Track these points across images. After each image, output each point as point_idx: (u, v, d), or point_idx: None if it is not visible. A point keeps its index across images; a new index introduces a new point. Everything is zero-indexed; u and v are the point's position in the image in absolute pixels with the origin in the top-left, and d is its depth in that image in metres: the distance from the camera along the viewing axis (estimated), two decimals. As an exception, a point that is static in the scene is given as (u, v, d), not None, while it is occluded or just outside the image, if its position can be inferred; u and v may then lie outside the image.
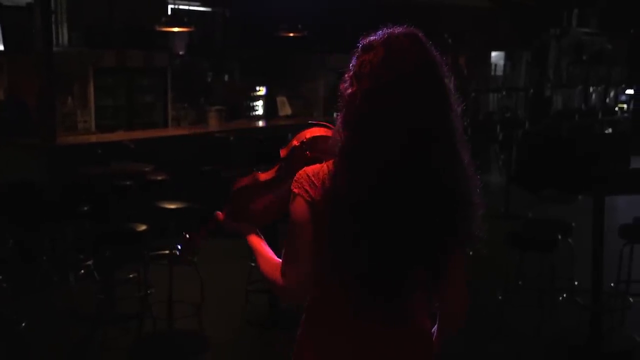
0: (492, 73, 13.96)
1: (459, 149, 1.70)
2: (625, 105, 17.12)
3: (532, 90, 14.52)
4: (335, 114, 1.76)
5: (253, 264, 5.11)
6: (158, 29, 8.13)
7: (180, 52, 9.41)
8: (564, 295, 5.41)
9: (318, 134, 1.89)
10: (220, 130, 8.80)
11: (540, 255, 5.03)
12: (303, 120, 2.04)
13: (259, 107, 10.57)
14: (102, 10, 8.35)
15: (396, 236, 1.66)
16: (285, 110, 10.54)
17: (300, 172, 1.76)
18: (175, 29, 8.39)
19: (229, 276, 5.90)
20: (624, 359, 4.79)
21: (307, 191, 1.72)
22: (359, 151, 1.65)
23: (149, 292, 5.11)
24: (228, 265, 6.00)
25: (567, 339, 4.90)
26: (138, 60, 8.78)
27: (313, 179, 1.73)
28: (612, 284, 5.31)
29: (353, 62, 1.72)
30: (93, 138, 7.73)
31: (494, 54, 14.10)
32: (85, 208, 5.69)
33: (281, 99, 10.55)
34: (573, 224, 5.21)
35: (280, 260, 1.82)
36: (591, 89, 16.40)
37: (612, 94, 17.08)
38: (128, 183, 6.39)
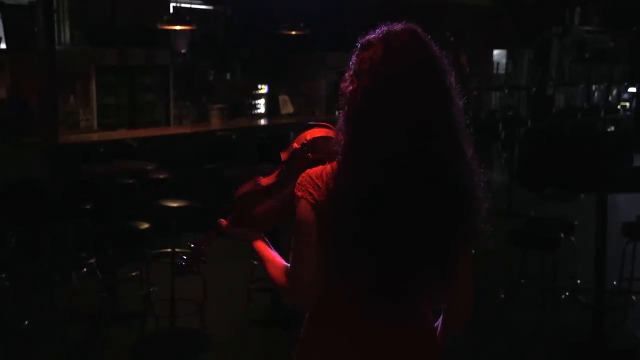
0: (494, 71, 13.94)
1: (462, 143, 1.69)
2: (627, 104, 17.10)
3: (534, 89, 14.51)
4: (337, 113, 1.75)
5: (255, 262, 5.11)
6: (160, 27, 8.13)
7: (182, 51, 9.42)
8: (567, 293, 5.40)
9: (318, 135, 1.88)
10: (222, 129, 8.79)
11: (542, 254, 5.02)
12: (305, 119, 2.02)
13: (261, 106, 10.57)
14: (104, 8, 8.36)
15: (402, 234, 1.65)
16: (287, 108, 10.53)
17: (303, 174, 1.75)
18: (177, 28, 8.39)
19: (232, 275, 5.90)
20: (627, 357, 4.79)
21: (310, 194, 1.71)
22: (362, 149, 1.65)
23: (151, 290, 5.11)
24: (230, 263, 6.00)
25: (569, 337, 4.89)
26: (140, 59, 8.78)
27: (316, 180, 1.72)
28: (614, 282, 5.31)
29: (353, 60, 1.72)
30: (95, 136, 7.73)
31: (496, 52, 14.09)
32: (88, 206, 5.69)
33: (283, 98, 10.55)
34: (575, 222, 5.20)
35: (287, 264, 1.82)
36: (593, 87, 16.37)
37: (614, 92, 17.05)
38: (130, 181, 6.39)
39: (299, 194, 1.73)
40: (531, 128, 11.05)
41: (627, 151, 4.66)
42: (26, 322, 4.87)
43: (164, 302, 5.04)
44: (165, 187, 6.45)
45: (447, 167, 1.66)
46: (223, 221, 2.06)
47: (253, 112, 10.41)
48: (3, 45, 7.63)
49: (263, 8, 9.87)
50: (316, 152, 1.85)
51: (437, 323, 1.88)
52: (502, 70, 14.09)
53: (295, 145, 1.89)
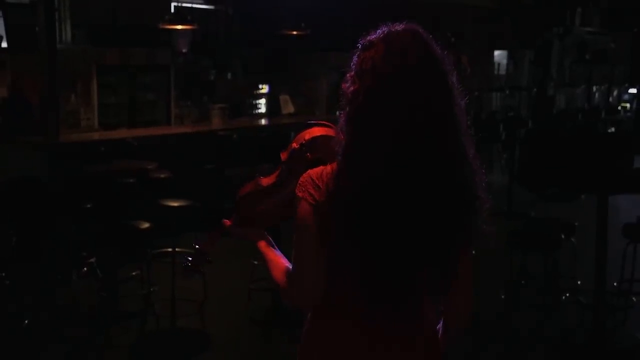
0: (495, 72, 13.95)
1: (463, 143, 1.69)
2: (628, 104, 17.11)
3: (535, 89, 14.51)
4: (337, 113, 1.75)
5: (256, 262, 5.11)
6: (161, 26, 8.13)
7: (183, 50, 9.41)
8: (567, 294, 5.40)
9: (317, 135, 1.87)
10: (223, 128, 8.80)
11: (543, 255, 5.02)
12: (306, 119, 2.01)
13: (262, 105, 10.56)
14: (106, 8, 8.36)
15: (402, 234, 1.65)
16: (288, 108, 10.53)
17: (304, 175, 1.75)
18: (179, 27, 8.38)
19: (232, 274, 5.90)
20: (627, 358, 4.79)
21: (311, 194, 1.71)
22: (363, 149, 1.64)
23: (151, 290, 5.11)
24: (230, 263, 6.00)
25: (569, 338, 4.89)
26: (141, 58, 8.78)
27: (317, 181, 1.71)
28: (615, 284, 5.31)
29: (354, 60, 1.72)
30: (96, 135, 7.73)
31: (496, 53, 14.09)
32: (88, 205, 5.69)
33: (284, 97, 10.55)
34: (576, 223, 5.20)
35: (289, 265, 1.82)
36: (594, 88, 16.38)
37: (615, 93, 17.05)
38: (131, 181, 6.39)
39: (300, 194, 1.72)
40: (532, 129, 11.05)
41: (628, 152, 4.66)
42: (26, 321, 4.87)
43: (164, 301, 5.04)
44: (166, 187, 6.44)
45: (449, 167, 1.66)
46: (226, 221, 2.06)
47: (254, 111, 10.41)
48: (4, 44, 7.63)
49: (264, 8, 9.87)
50: (315, 152, 1.85)
51: (439, 325, 1.88)
52: (503, 71, 14.10)
53: (295, 145, 1.89)
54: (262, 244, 1.97)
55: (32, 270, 5.77)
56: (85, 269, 5.80)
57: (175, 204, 5.30)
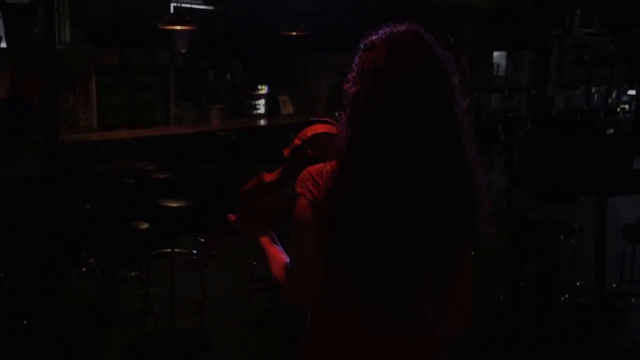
0: (495, 73, 13.95)
1: (464, 144, 1.69)
2: (627, 106, 17.12)
3: (534, 91, 14.51)
4: (336, 113, 1.75)
5: (255, 263, 5.11)
6: (160, 27, 8.13)
7: (183, 51, 9.41)
8: (566, 295, 5.40)
9: (320, 131, 1.88)
10: (222, 129, 8.80)
11: (542, 256, 5.02)
12: (305, 119, 2.01)
13: (261, 106, 10.56)
14: (105, 8, 8.36)
15: (402, 235, 1.66)
16: (287, 109, 10.53)
17: (304, 171, 1.75)
18: (178, 28, 8.38)
19: (231, 275, 5.89)
20: (626, 359, 4.78)
21: (310, 190, 1.71)
22: (364, 149, 1.65)
23: (150, 290, 5.11)
24: (230, 263, 6.00)
25: (568, 339, 4.89)
26: (140, 59, 8.78)
27: (316, 178, 1.72)
28: (614, 285, 5.31)
29: (356, 61, 1.72)
30: (95, 136, 7.73)
31: (496, 54, 14.09)
32: (87, 206, 5.68)
33: (283, 98, 10.55)
34: (575, 225, 5.20)
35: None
36: (593, 89, 16.39)
37: (614, 94, 17.06)
38: (130, 181, 6.39)
39: (299, 190, 1.73)
40: (531, 130, 11.05)
41: (627, 153, 4.66)
42: (25, 321, 4.87)
43: (163, 301, 5.03)
44: (165, 187, 6.44)
45: (449, 168, 1.66)
46: (231, 216, 2.07)
47: (253, 112, 10.41)
48: (4, 45, 7.63)
49: (263, 8, 9.87)
50: (316, 148, 1.85)
51: (439, 326, 1.87)
52: (502, 72, 14.10)
53: (297, 141, 1.90)
54: (264, 240, 1.98)
55: (31, 270, 5.76)
56: (84, 269, 5.80)
57: (175, 205, 5.30)
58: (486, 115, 12.91)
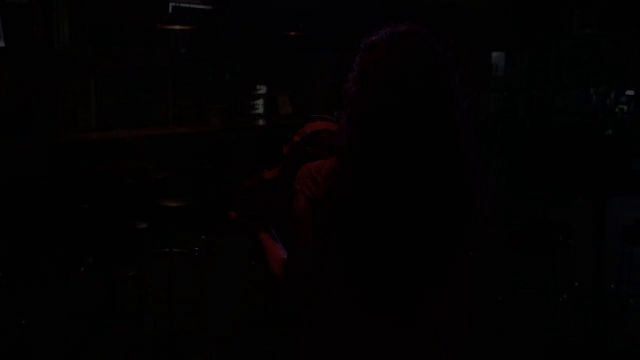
0: (493, 73, 13.95)
1: (464, 144, 1.69)
2: (625, 107, 17.12)
3: (532, 91, 14.52)
4: (335, 113, 1.75)
5: (254, 263, 5.11)
6: (159, 27, 8.12)
7: (182, 51, 9.41)
8: (565, 296, 5.41)
9: (319, 129, 1.89)
10: (221, 129, 8.80)
11: (540, 257, 5.03)
12: (304, 118, 2.02)
13: (260, 106, 10.56)
14: (104, 8, 8.35)
15: (401, 235, 1.65)
16: (286, 109, 10.53)
17: (302, 168, 1.76)
18: (177, 27, 8.38)
19: (231, 275, 5.89)
20: (624, 360, 4.79)
21: (308, 187, 1.71)
22: (364, 149, 1.65)
23: (149, 289, 5.10)
24: (229, 263, 6.00)
25: (567, 340, 4.90)
26: (139, 58, 8.78)
27: (315, 175, 1.72)
28: (612, 285, 5.31)
29: (356, 61, 1.72)
30: (94, 136, 7.72)
31: (494, 54, 14.09)
32: (86, 206, 5.68)
33: (282, 98, 10.54)
34: (574, 226, 5.21)
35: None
36: (592, 90, 16.39)
37: (612, 95, 17.07)
38: (129, 181, 6.38)
39: (297, 186, 1.73)
40: (529, 130, 11.06)
41: (625, 154, 4.67)
42: (23, 321, 4.87)
43: (162, 301, 5.03)
44: (164, 187, 6.44)
45: (449, 168, 1.66)
46: (232, 213, 2.07)
47: (252, 112, 10.41)
48: (2, 44, 7.62)
49: (262, 8, 9.87)
50: (315, 145, 1.86)
51: (439, 326, 1.87)
52: (500, 73, 14.10)
53: (296, 138, 1.91)
54: (264, 237, 1.98)
55: (29, 269, 5.76)
56: (82, 268, 5.80)
57: (173, 204, 5.30)
58: (484, 115, 12.92)
